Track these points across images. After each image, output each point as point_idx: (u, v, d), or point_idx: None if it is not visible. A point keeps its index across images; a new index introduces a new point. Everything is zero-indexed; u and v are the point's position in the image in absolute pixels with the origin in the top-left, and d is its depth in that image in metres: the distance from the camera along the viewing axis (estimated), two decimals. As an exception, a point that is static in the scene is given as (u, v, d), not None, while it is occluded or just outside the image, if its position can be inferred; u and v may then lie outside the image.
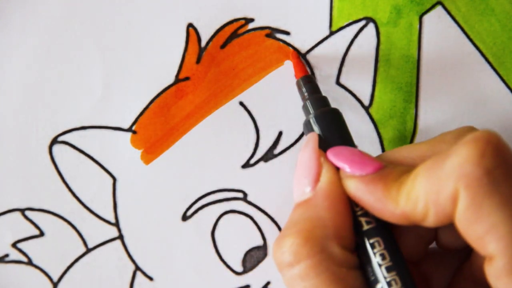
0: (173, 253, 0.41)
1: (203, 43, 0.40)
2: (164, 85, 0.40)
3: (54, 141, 0.40)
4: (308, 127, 0.36)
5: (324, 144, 0.34)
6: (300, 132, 0.41)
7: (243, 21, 0.40)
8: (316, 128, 0.35)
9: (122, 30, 0.40)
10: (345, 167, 0.32)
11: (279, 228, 0.42)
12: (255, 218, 0.41)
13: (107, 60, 0.40)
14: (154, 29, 0.40)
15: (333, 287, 0.30)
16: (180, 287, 0.42)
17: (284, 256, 0.31)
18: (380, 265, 0.31)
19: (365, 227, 0.32)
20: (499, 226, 0.27)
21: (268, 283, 0.42)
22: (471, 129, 0.34)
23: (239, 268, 0.42)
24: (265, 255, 0.42)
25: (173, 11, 0.40)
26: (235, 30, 0.40)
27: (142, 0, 0.40)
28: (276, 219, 0.42)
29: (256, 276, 0.42)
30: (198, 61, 0.40)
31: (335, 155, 0.33)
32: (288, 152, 0.41)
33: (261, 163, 0.41)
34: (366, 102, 0.41)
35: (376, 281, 0.31)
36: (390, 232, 0.32)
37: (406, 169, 0.31)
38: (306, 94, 0.37)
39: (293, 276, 0.31)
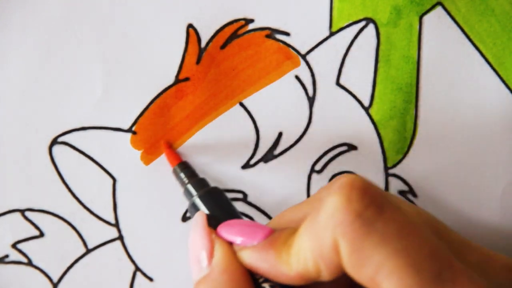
0: (173, 254, 0.41)
1: (203, 44, 0.40)
2: (164, 86, 0.40)
3: (54, 141, 0.40)
4: (194, 209, 0.36)
5: (213, 222, 0.35)
6: (301, 133, 0.41)
7: (243, 22, 0.40)
8: (202, 207, 0.36)
9: (122, 31, 0.40)
10: (236, 240, 0.33)
11: (279, 229, 0.42)
12: (255, 219, 0.41)
13: (107, 60, 0.40)
14: (154, 30, 0.40)
15: None
16: (180, 288, 0.42)
17: None
18: None
19: None
20: (385, 264, 0.28)
21: (268, 283, 0.42)
22: (339, 179, 0.34)
23: (239, 269, 0.42)
24: (265, 255, 0.42)
25: (173, 12, 0.40)
26: (235, 31, 0.40)
27: (142, 0, 0.40)
28: (276, 219, 0.42)
29: (256, 277, 0.42)
30: (198, 61, 0.40)
31: (225, 230, 0.34)
32: (288, 153, 0.41)
33: (261, 164, 0.41)
34: (366, 102, 0.41)
35: None
36: None
37: (292, 230, 0.32)
38: (184, 179, 0.38)
39: None
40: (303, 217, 0.33)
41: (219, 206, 0.36)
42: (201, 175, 0.39)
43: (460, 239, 0.34)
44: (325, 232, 0.29)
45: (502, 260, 0.34)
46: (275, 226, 0.34)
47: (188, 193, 0.38)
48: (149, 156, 0.41)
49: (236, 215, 0.36)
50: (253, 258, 0.32)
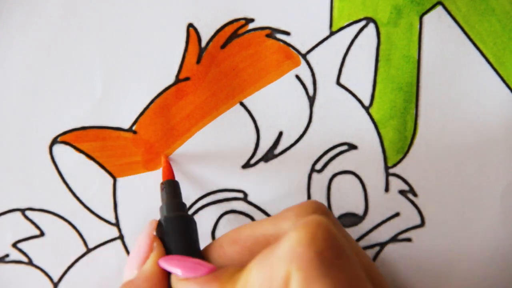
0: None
1: (203, 43, 0.40)
2: (164, 85, 0.40)
3: (55, 141, 0.40)
4: (159, 226, 0.37)
5: (169, 246, 0.36)
6: (301, 132, 0.41)
7: (243, 21, 0.40)
8: (164, 229, 0.36)
9: (122, 30, 0.40)
10: (177, 271, 0.34)
11: (279, 228, 0.42)
12: (256, 218, 0.42)
13: (107, 60, 0.40)
14: (154, 29, 0.40)
15: None
16: (181, 287, 0.42)
17: None
18: None
19: None
20: None
21: (268, 283, 0.42)
22: (310, 206, 0.34)
23: (240, 268, 0.42)
24: (265, 255, 0.42)
25: (173, 11, 0.40)
26: (236, 30, 0.40)
27: (142, 0, 0.40)
28: (276, 219, 0.42)
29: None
30: (198, 61, 0.40)
31: (166, 261, 0.34)
32: (288, 152, 0.41)
33: (262, 163, 0.41)
34: (367, 102, 0.41)
35: None
36: None
37: (238, 268, 0.32)
38: (165, 197, 0.38)
39: None
40: (263, 235, 0.34)
41: (180, 234, 0.36)
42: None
43: (383, 283, 0.35)
44: (279, 264, 0.29)
45: None
46: (231, 240, 0.35)
47: (161, 211, 0.38)
48: (149, 155, 0.41)
49: (192, 248, 0.36)
50: None
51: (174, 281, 0.34)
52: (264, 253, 0.30)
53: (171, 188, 0.38)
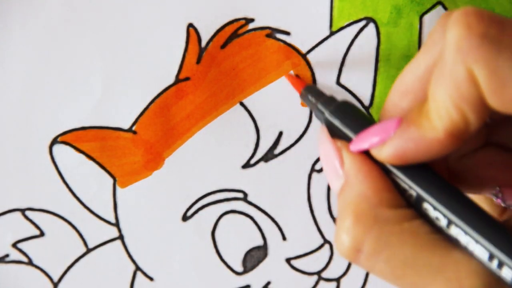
0: (173, 254, 0.41)
1: (203, 43, 0.40)
2: (164, 85, 0.40)
3: (54, 141, 0.40)
4: (328, 125, 0.36)
5: (350, 129, 0.34)
6: (301, 132, 0.41)
7: (243, 21, 0.40)
8: (336, 122, 0.35)
9: (122, 30, 0.40)
10: (373, 141, 0.32)
11: (279, 228, 0.42)
12: (255, 218, 0.42)
13: (107, 60, 0.40)
14: (154, 29, 0.40)
15: (407, 245, 0.30)
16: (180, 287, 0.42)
17: (346, 246, 0.31)
18: (434, 208, 0.31)
19: (403, 182, 0.32)
20: None
21: (268, 283, 0.42)
22: (448, 15, 0.32)
23: (239, 268, 0.42)
24: (265, 255, 0.42)
25: (173, 11, 0.40)
26: (236, 30, 0.40)
27: (142, 0, 0.39)
28: (276, 219, 0.42)
29: (256, 276, 0.42)
30: (198, 61, 0.40)
31: (357, 142, 0.33)
32: (288, 152, 0.41)
33: (262, 163, 0.41)
34: (367, 102, 0.41)
35: (438, 219, 0.31)
36: (430, 171, 0.32)
37: (419, 102, 0.31)
38: (314, 100, 0.37)
39: (368, 258, 0.31)
40: (425, 69, 0.32)
41: (348, 119, 0.34)
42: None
43: None
44: (457, 68, 0.28)
45: None
46: (400, 93, 0.33)
47: (319, 113, 0.36)
48: (149, 155, 0.41)
49: (367, 121, 0.34)
50: (396, 146, 0.31)
51: (376, 153, 0.32)
52: (436, 73, 0.29)
53: (313, 90, 0.38)
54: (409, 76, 0.33)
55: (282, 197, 0.41)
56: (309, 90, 0.38)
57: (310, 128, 0.41)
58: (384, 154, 0.31)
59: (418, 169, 0.31)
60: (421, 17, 0.40)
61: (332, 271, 0.43)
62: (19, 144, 0.40)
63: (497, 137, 0.35)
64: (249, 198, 0.41)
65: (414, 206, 0.31)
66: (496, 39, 0.28)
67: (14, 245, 0.41)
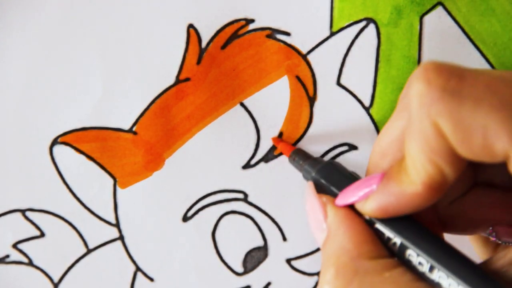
0: (173, 254, 0.41)
1: (203, 44, 0.40)
2: (164, 86, 0.40)
3: (55, 142, 0.40)
4: (315, 182, 0.37)
5: (335, 186, 0.36)
6: (301, 133, 0.41)
7: (243, 22, 0.40)
8: (323, 181, 0.36)
9: (122, 31, 0.40)
10: (357, 195, 0.33)
11: (280, 229, 0.42)
12: (256, 219, 0.42)
13: (107, 61, 0.40)
14: (154, 30, 0.40)
15: None
16: (181, 288, 0.42)
17: None
18: (417, 254, 0.31)
19: (387, 232, 0.32)
20: (489, 123, 0.27)
21: (268, 283, 0.42)
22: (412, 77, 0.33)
23: (240, 269, 0.42)
24: (265, 255, 0.42)
25: (173, 12, 0.40)
26: (236, 31, 0.40)
27: (142, 0, 0.39)
28: (276, 219, 0.42)
29: (256, 277, 0.42)
30: (198, 61, 0.40)
31: (343, 197, 0.34)
32: (288, 152, 0.41)
33: (262, 164, 0.41)
34: (367, 102, 0.41)
35: (421, 264, 0.31)
36: (412, 220, 0.33)
37: (400, 159, 0.32)
38: (301, 162, 0.39)
39: None
40: (400, 133, 0.33)
41: (338, 174, 0.36)
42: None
43: None
44: (423, 123, 0.29)
45: None
46: (379, 155, 0.34)
47: (307, 174, 0.38)
48: (149, 156, 0.41)
49: (351, 178, 0.36)
50: (379, 201, 0.32)
51: (360, 207, 0.33)
52: (407, 127, 0.30)
53: (300, 153, 0.39)
54: (386, 139, 0.33)
55: (283, 198, 0.41)
56: (297, 153, 0.39)
57: (311, 129, 0.41)
58: (367, 208, 0.32)
59: (401, 220, 0.32)
60: (421, 17, 0.40)
61: (333, 272, 0.43)
62: (19, 144, 0.40)
63: (484, 176, 0.35)
64: (250, 199, 0.41)
65: (398, 254, 0.32)
66: (456, 90, 0.28)
67: (15, 245, 0.41)
